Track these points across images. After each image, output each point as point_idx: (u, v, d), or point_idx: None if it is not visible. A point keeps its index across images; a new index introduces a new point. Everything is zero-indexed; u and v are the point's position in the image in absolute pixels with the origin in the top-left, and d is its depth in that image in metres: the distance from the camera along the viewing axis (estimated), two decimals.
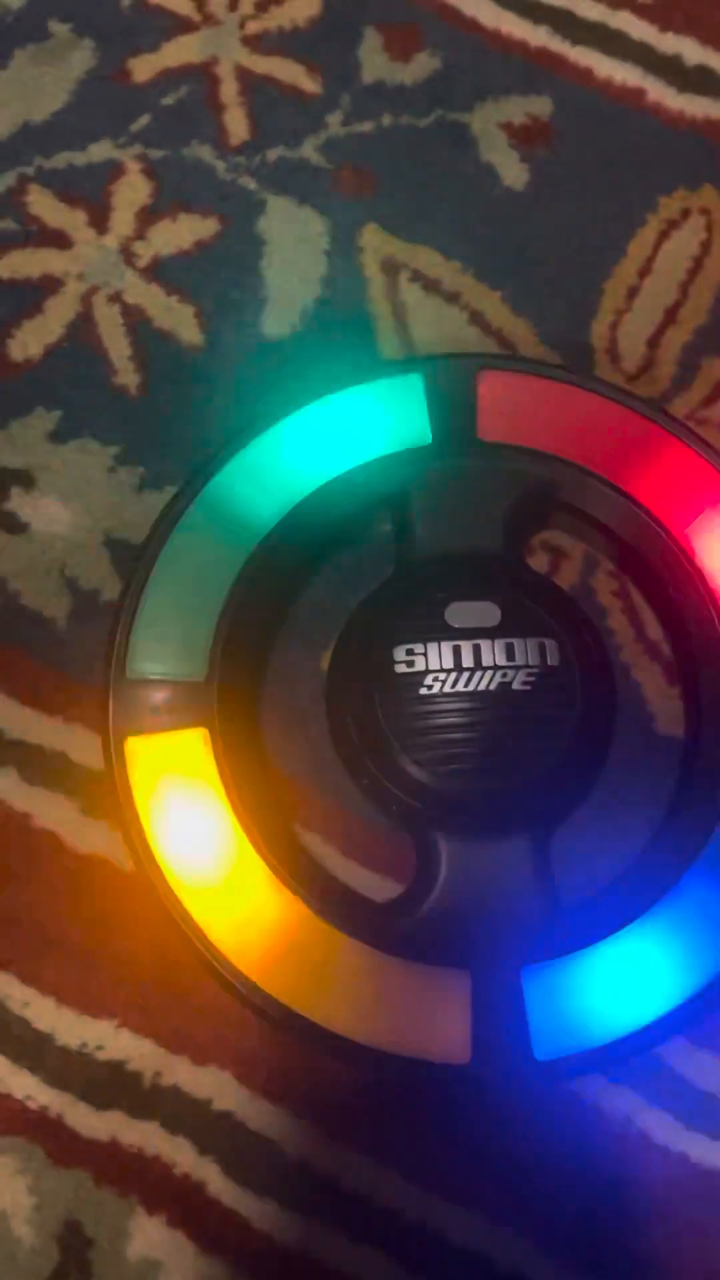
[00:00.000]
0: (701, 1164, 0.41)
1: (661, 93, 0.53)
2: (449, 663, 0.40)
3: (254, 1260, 0.40)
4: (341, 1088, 0.41)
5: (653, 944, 0.39)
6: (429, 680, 0.40)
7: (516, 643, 0.40)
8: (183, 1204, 0.40)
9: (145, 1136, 0.41)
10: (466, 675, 0.40)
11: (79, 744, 0.44)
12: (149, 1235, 0.40)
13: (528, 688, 0.40)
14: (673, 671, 0.46)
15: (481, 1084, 0.39)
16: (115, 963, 0.42)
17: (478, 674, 0.40)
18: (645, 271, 0.50)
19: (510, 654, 0.40)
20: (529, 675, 0.40)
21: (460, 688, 0.40)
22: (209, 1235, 0.40)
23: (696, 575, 0.43)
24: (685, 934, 0.39)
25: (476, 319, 0.49)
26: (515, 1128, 0.41)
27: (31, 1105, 0.41)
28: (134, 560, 0.42)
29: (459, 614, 0.40)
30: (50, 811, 0.44)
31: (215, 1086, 0.41)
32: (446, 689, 0.40)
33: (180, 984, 0.42)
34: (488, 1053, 0.38)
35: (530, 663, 0.40)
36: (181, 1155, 0.41)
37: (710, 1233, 0.40)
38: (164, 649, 0.41)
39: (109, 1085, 0.41)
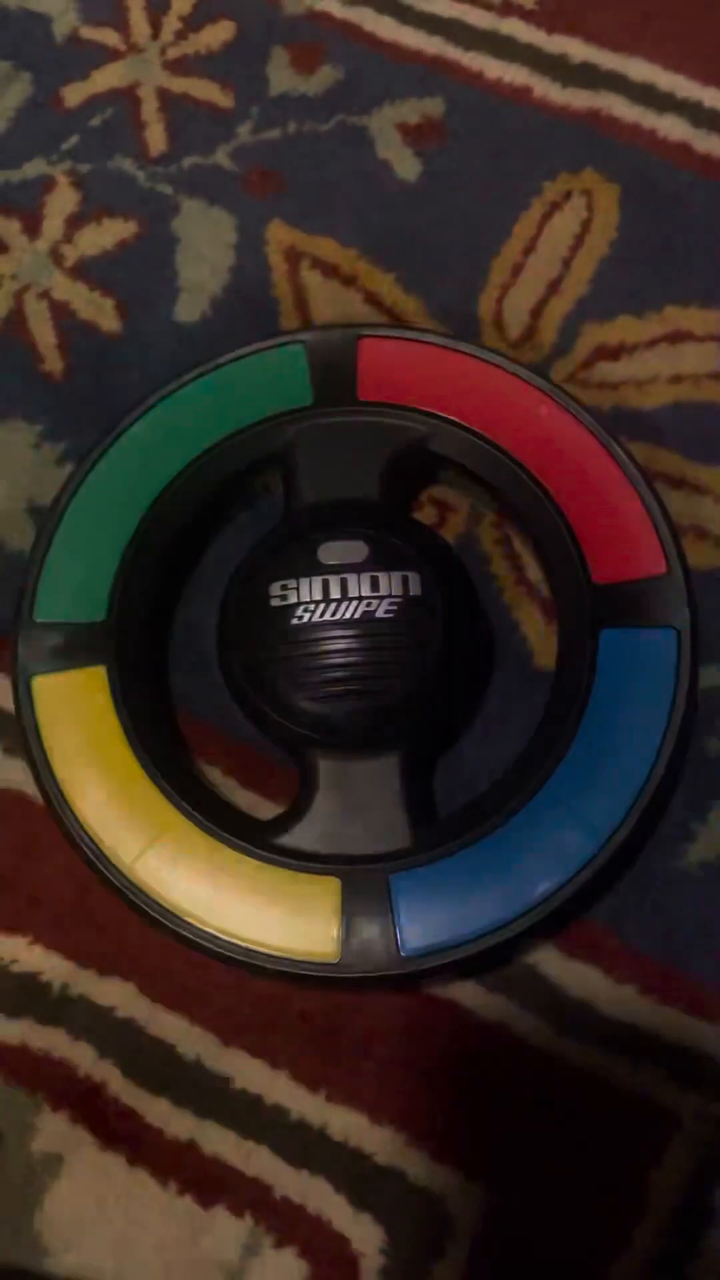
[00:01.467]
0: (575, 1068, 0.44)
1: (547, 88, 0.58)
2: (318, 595, 0.44)
3: (148, 1153, 0.43)
4: (233, 995, 0.45)
5: (509, 852, 0.43)
6: (300, 612, 0.44)
7: (381, 575, 0.44)
8: (84, 1102, 0.44)
9: (52, 1040, 0.45)
10: (334, 605, 0.44)
11: (2, 691, 0.49)
12: (52, 1130, 0.44)
13: (391, 615, 0.44)
14: (550, 611, 0.49)
15: (352, 981, 0.42)
16: (30, 885, 0.47)
17: (345, 604, 0.44)
18: (530, 249, 0.55)
19: (375, 585, 0.44)
20: (392, 604, 0.44)
21: (329, 617, 0.44)
22: (108, 1130, 0.44)
23: (560, 517, 0.46)
24: (538, 844, 0.43)
25: (371, 299, 0.54)
26: (394, 1030, 0.44)
27: None
28: (44, 516, 0.47)
29: (330, 552, 0.45)
30: None
31: (118, 996, 0.45)
32: (316, 618, 0.44)
33: (88, 905, 0.47)
34: (356, 951, 0.42)
35: (393, 593, 0.44)
36: (84, 1058, 0.45)
37: (584, 1132, 0.43)
38: (67, 594, 0.46)
39: (21, 995, 0.46)
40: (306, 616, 0.44)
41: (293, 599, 0.44)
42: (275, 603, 0.44)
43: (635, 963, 0.45)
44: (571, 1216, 0.42)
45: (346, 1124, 0.43)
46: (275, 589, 0.44)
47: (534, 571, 0.50)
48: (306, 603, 0.44)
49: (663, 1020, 0.44)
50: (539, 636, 0.49)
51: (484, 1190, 0.43)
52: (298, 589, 0.44)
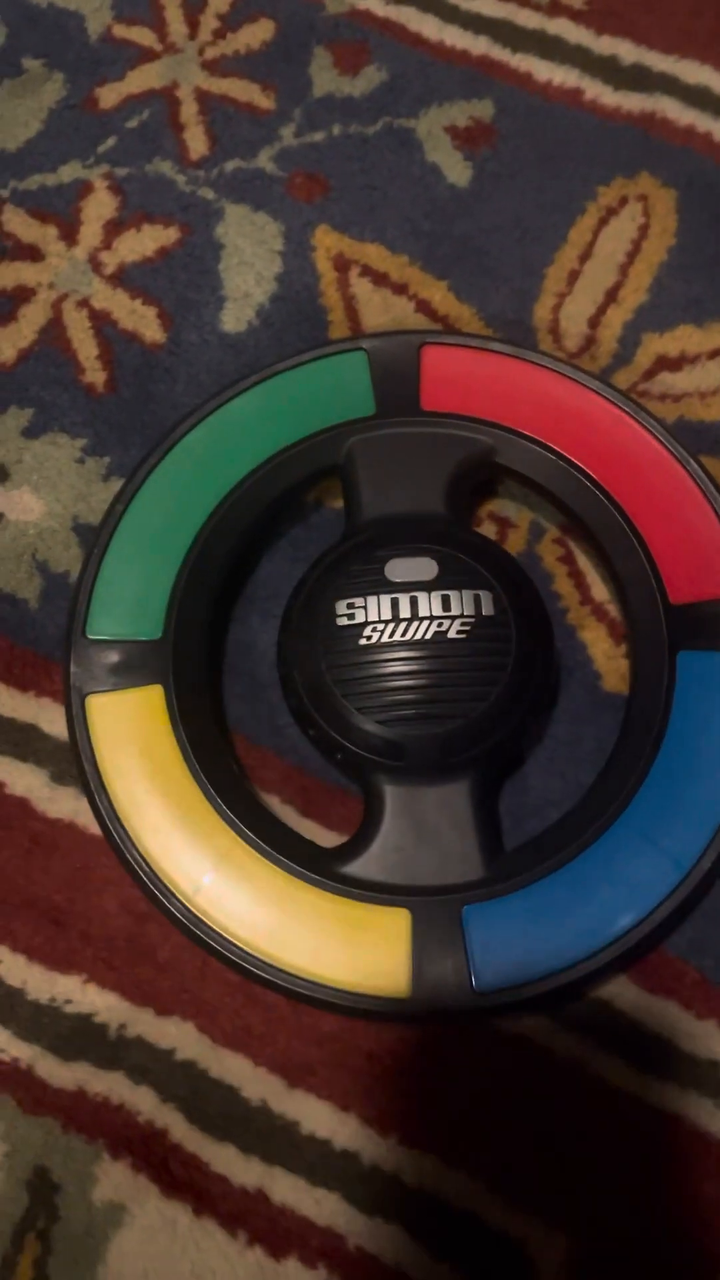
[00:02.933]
0: (653, 1106, 0.42)
1: (598, 90, 0.57)
2: (387, 614, 0.43)
3: (214, 1203, 0.42)
4: (298, 1035, 0.44)
5: (587, 884, 0.42)
6: (368, 631, 0.43)
7: (452, 594, 0.43)
8: (146, 1149, 0.42)
9: (110, 1086, 0.43)
10: (404, 625, 0.43)
11: (49, 716, 0.48)
12: (113, 1179, 0.42)
13: (463, 636, 0.42)
14: (619, 632, 0.48)
15: (422, 1016, 0.41)
16: (83, 921, 0.45)
17: (415, 624, 0.43)
18: (585, 256, 0.54)
19: (446, 605, 0.43)
20: (464, 625, 0.43)
21: (398, 637, 0.42)
22: (171, 1179, 0.42)
23: (633, 534, 0.45)
24: (617, 875, 0.41)
25: (423, 307, 0.53)
26: (465, 1068, 0.43)
27: (3, 1058, 0.44)
28: (96, 530, 0.46)
29: (398, 569, 0.43)
30: (21, 780, 0.47)
31: (177, 1037, 0.44)
32: (385, 639, 0.43)
33: (145, 940, 0.45)
34: (427, 986, 0.41)
35: (465, 613, 0.43)
36: (145, 1103, 0.43)
37: (665, 1173, 0.42)
38: (122, 611, 0.45)
39: (76, 1037, 0.44)
40: (375, 636, 0.43)
41: (360, 618, 0.43)
42: (341, 621, 0.43)
43: (715, 997, 0.44)
44: (656, 1261, 0.41)
45: (421, 1169, 0.42)
46: (341, 607, 0.43)
47: (600, 590, 0.49)
48: (375, 622, 0.43)
49: None
50: (606, 658, 0.48)
51: (565, 1236, 0.41)
52: (365, 607, 0.43)
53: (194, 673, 0.45)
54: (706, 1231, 0.41)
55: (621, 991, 0.44)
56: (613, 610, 0.48)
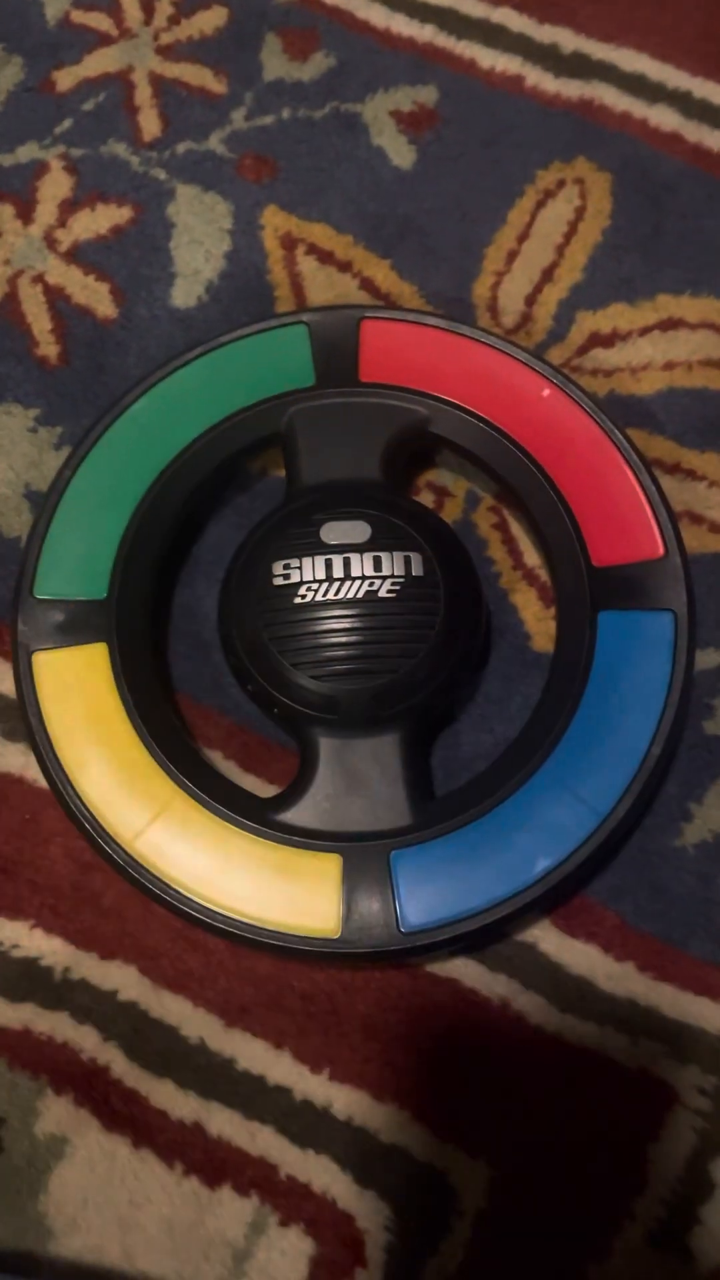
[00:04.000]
0: (574, 1044, 0.45)
1: (540, 77, 0.59)
2: (321, 574, 0.45)
3: (153, 1135, 0.44)
4: (236, 977, 0.46)
5: (509, 830, 0.44)
6: (303, 590, 0.45)
7: (383, 555, 0.45)
8: (88, 1085, 0.45)
9: (55, 1025, 0.45)
10: (337, 585, 0.45)
11: (1, 675, 0.50)
12: (56, 1113, 0.44)
13: (393, 595, 0.45)
14: (548, 595, 0.50)
15: (352, 956, 0.43)
16: (31, 869, 0.47)
17: (348, 584, 0.45)
18: (523, 237, 0.56)
19: (377, 565, 0.45)
20: (394, 584, 0.45)
21: (332, 596, 0.45)
22: (111, 1113, 0.44)
23: (560, 501, 0.47)
24: (537, 822, 0.44)
25: (366, 284, 0.55)
26: (396, 1007, 0.45)
27: None
28: (44, 493, 0.48)
29: (332, 532, 0.45)
30: None
31: (120, 979, 0.46)
32: (319, 597, 0.45)
33: (89, 887, 0.47)
34: (357, 927, 0.43)
35: (395, 573, 0.45)
36: (88, 1041, 0.45)
37: (584, 1107, 0.44)
38: (68, 571, 0.47)
39: (23, 980, 0.46)
40: (309, 595, 0.45)
41: (295, 578, 0.45)
42: (278, 581, 0.45)
43: (634, 940, 0.46)
44: (574, 1190, 0.43)
45: (350, 1103, 0.44)
46: (278, 568, 0.45)
47: (531, 557, 0.51)
48: (309, 582, 0.45)
49: (660, 997, 0.45)
50: (536, 620, 0.50)
51: (487, 1165, 0.43)
52: (300, 568, 0.45)
53: (137, 632, 0.47)
54: (620, 1158, 0.43)
55: (545, 935, 0.46)
56: (543, 575, 0.51)
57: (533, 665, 0.49)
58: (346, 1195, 0.43)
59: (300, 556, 0.45)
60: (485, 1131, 0.44)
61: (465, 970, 0.46)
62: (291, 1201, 0.43)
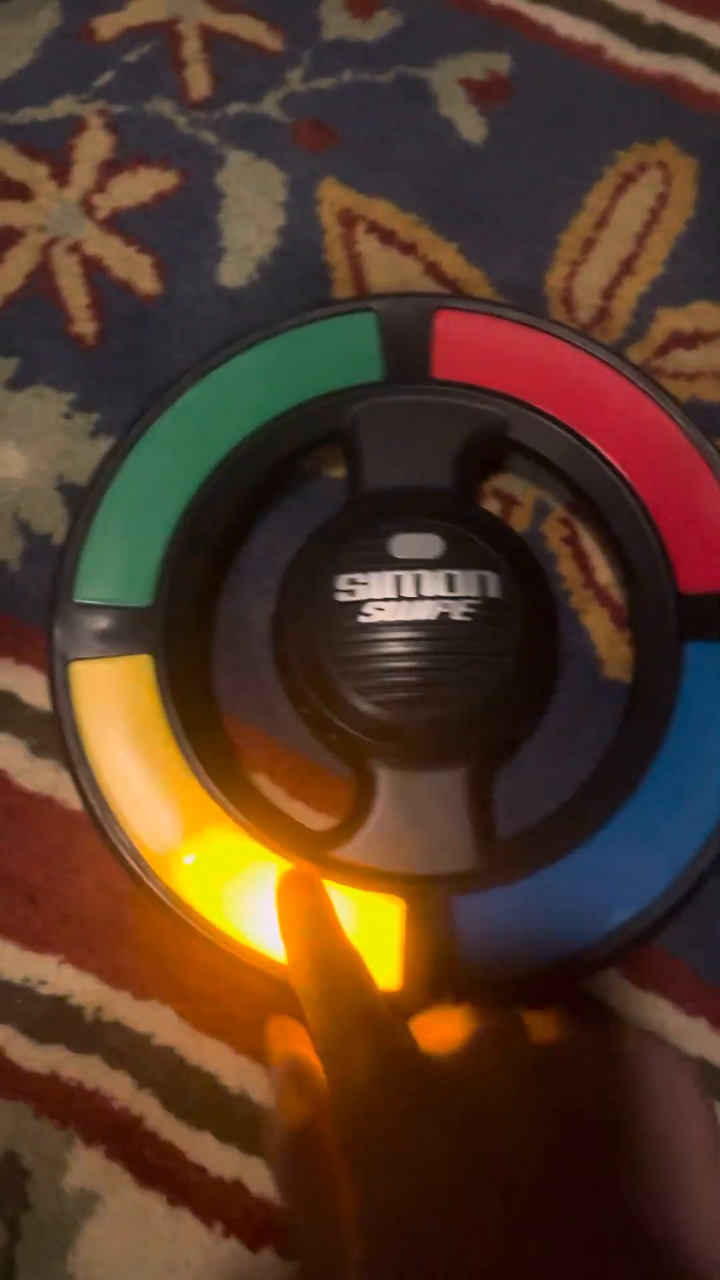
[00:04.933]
0: None
1: (621, 49, 0.55)
2: (390, 592, 0.41)
3: (190, 1193, 0.41)
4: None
5: (584, 878, 0.41)
6: (369, 609, 0.41)
7: (458, 574, 0.42)
8: (121, 1136, 0.41)
9: (85, 1070, 0.42)
10: (407, 605, 0.41)
11: (29, 685, 0.46)
12: (87, 1167, 0.41)
13: (468, 619, 0.41)
14: (622, 617, 0.47)
15: (411, 1008, 0.40)
16: (60, 899, 0.44)
17: (418, 604, 0.41)
18: (601, 224, 0.52)
19: (451, 585, 0.41)
20: (469, 607, 0.41)
21: (400, 617, 0.41)
22: (146, 1167, 0.41)
23: (646, 519, 0.44)
24: (615, 870, 0.41)
25: (432, 269, 0.51)
26: None
27: None
28: (86, 488, 0.44)
29: (402, 545, 0.42)
30: None
31: (156, 1021, 0.43)
32: (386, 618, 0.41)
33: (124, 921, 0.44)
34: (416, 977, 0.40)
35: (470, 594, 0.41)
36: (121, 1089, 0.42)
37: None
38: (110, 574, 0.43)
39: (51, 1020, 0.43)
40: (376, 614, 0.41)
41: (361, 594, 0.42)
42: (341, 597, 0.42)
43: (706, 995, 0.43)
44: None
45: None
46: (341, 582, 0.42)
47: (604, 574, 0.48)
48: (376, 600, 0.41)
49: None
50: (608, 644, 0.47)
51: None
52: (366, 584, 0.42)
53: (185, 643, 0.43)
54: None
55: (611, 986, 0.43)
56: (616, 595, 0.47)
57: (604, 693, 0.46)
58: None
59: (366, 571, 0.42)
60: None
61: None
62: None
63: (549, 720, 0.46)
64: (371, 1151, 0.30)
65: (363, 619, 0.41)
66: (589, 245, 0.52)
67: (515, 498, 0.49)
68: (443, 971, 0.40)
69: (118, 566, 0.43)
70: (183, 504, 0.44)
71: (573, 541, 0.48)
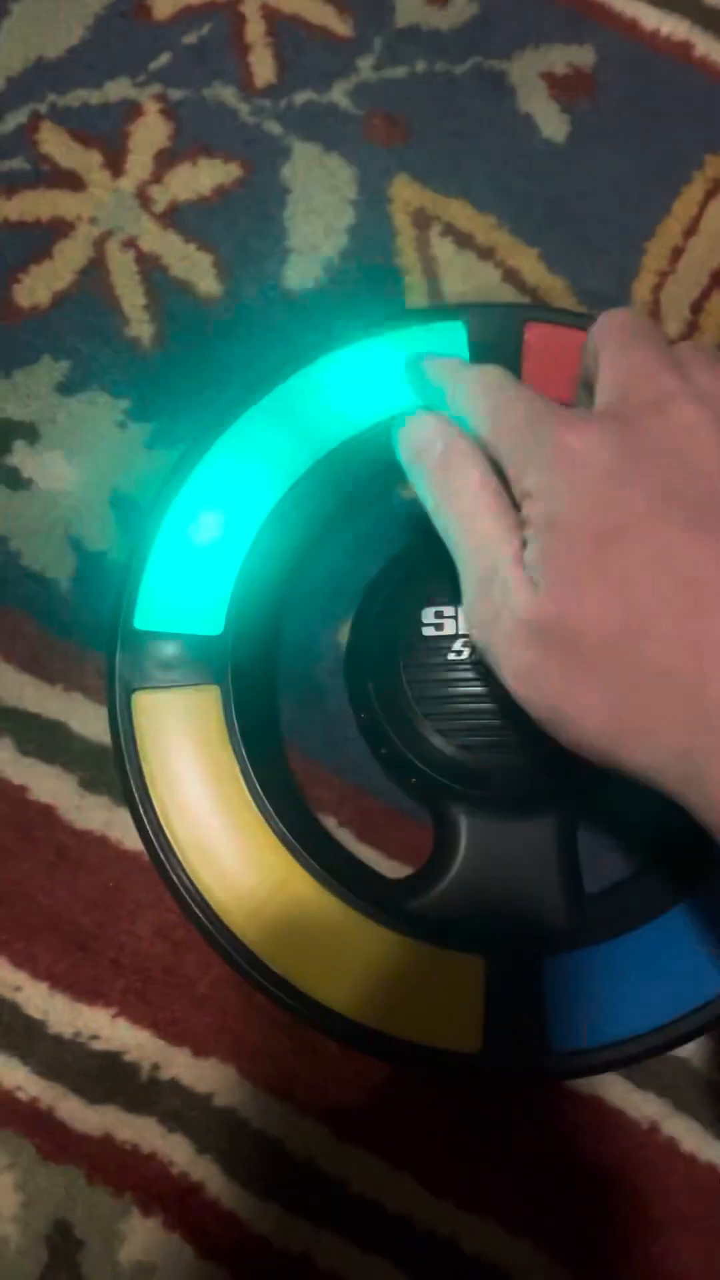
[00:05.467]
0: None
1: (710, 47, 0.52)
2: None
3: (255, 1266, 0.39)
4: (350, 1084, 0.40)
5: (679, 941, 0.38)
6: (458, 645, 0.39)
7: None
8: (180, 1205, 0.39)
9: (141, 1132, 0.40)
10: None
11: (80, 714, 0.43)
12: (143, 1237, 0.39)
13: None
14: None
15: (494, 1074, 0.37)
16: (113, 947, 0.41)
17: None
18: (691, 231, 0.49)
19: None
20: None
21: None
22: (207, 1239, 0.39)
23: None
24: (714, 931, 0.38)
25: (511, 276, 0.49)
26: (534, 1128, 0.40)
27: (21, 1097, 0.40)
28: (148, 504, 0.41)
29: None
30: (47, 785, 0.43)
31: (217, 1081, 0.40)
32: (476, 656, 0.39)
33: (182, 971, 0.41)
34: (501, 1042, 0.37)
35: None
36: (179, 1153, 0.40)
37: None
38: (176, 600, 0.40)
39: (104, 1077, 0.40)
40: (465, 652, 0.39)
41: (450, 629, 0.39)
42: (428, 632, 0.39)
43: None
44: None
45: (480, 1235, 0.39)
46: (428, 615, 0.39)
47: None
48: (466, 635, 0.39)
49: None
50: None
51: None
52: (456, 618, 0.39)
53: (254, 674, 0.41)
54: None
55: (699, 1050, 0.41)
56: None
57: None
58: None
59: (455, 604, 0.39)
60: (633, 1273, 0.39)
61: (610, 1088, 0.41)
62: None
63: None
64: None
65: (451, 656, 0.39)
66: (677, 254, 0.49)
67: None
68: (528, 1036, 0.38)
69: (184, 591, 0.40)
70: (255, 526, 0.41)
71: None
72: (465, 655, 0.39)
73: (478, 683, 0.39)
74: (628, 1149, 0.40)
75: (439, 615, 0.39)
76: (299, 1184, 0.39)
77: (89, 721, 0.43)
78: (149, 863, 0.39)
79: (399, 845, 0.43)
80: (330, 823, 0.43)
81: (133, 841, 0.42)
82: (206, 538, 0.41)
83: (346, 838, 0.43)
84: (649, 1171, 0.40)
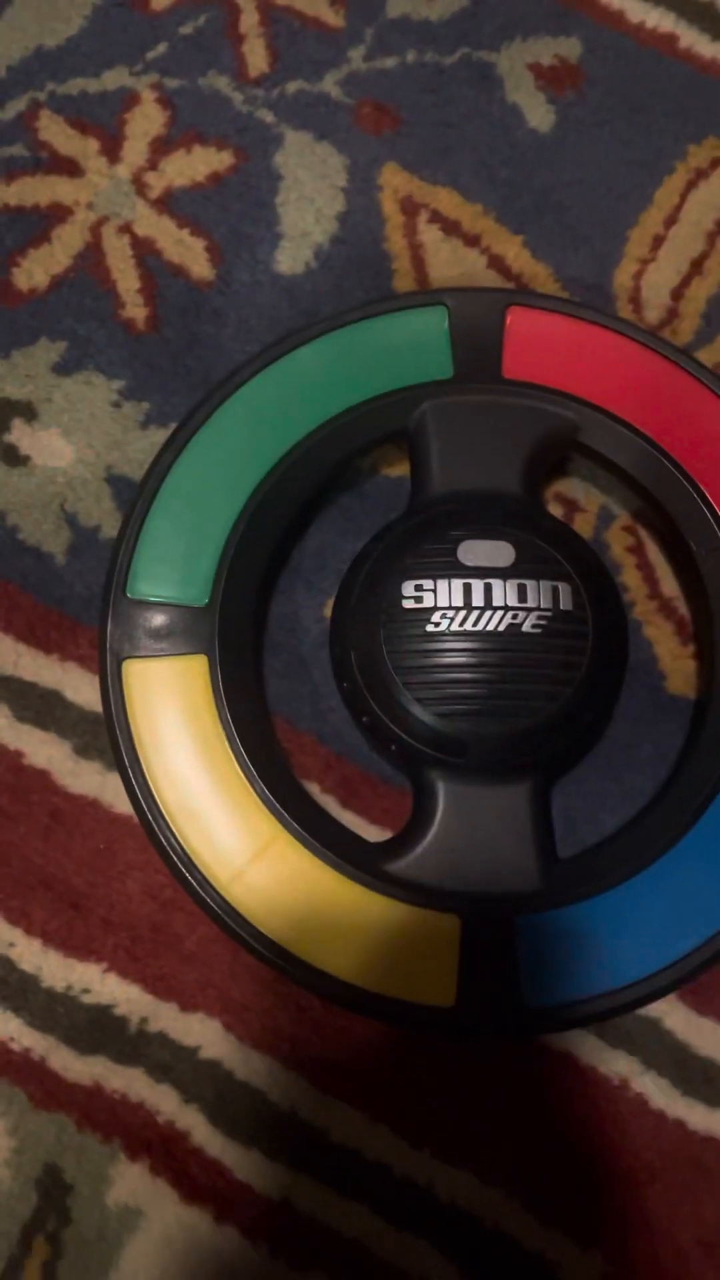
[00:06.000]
0: (698, 1130, 0.42)
1: (694, 39, 0.53)
2: (458, 600, 0.40)
3: (236, 1211, 0.40)
4: (332, 1039, 0.42)
5: (648, 903, 0.40)
6: (436, 617, 0.40)
7: (529, 584, 0.41)
8: (165, 1152, 0.41)
9: (129, 1082, 0.41)
10: (476, 614, 0.40)
11: (74, 683, 0.45)
12: (130, 1182, 0.41)
13: (538, 630, 0.40)
14: (687, 631, 0.46)
15: (467, 1028, 0.39)
16: (104, 905, 0.43)
17: (487, 613, 0.40)
18: (672, 220, 0.51)
19: (522, 595, 0.40)
20: (540, 618, 0.40)
21: (469, 627, 0.40)
22: (191, 1184, 0.41)
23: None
24: (681, 894, 0.40)
25: (496, 263, 0.50)
26: (504, 1082, 0.42)
27: (14, 1047, 0.42)
28: (142, 479, 0.43)
29: (472, 552, 0.41)
30: (42, 750, 0.45)
31: (203, 1034, 0.42)
32: (454, 627, 0.40)
33: (170, 928, 0.43)
34: (474, 997, 0.39)
35: (542, 605, 0.40)
36: (166, 1102, 0.41)
37: (703, 1199, 0.41)
38: (167, 571, 0.42)
39: (94, 1029, 0.42)
40: (443, 623, 0.40)
41: (429, 602, 0.41)
42: (408, 604, 0.41)
43: None
44: None
45: (454, 1184, 0.41)
46: (408, 588, 0.41)
47: (670, 585, 0.47)
48: (444, 608, 0.40)
49: None
50: (672, 658, 0.46)
51: (601, 1260, 0.40)
52: (434, 591, 0.41)
53: (241, 645, 0.42)
54: None
55: (671, 1010, 0.43)
56: (682, 608, 0.46)
57: (667, 709, 0.45)
58: None
59: (435, 578, 0.41)
60: (600, 1222, 0.41)
61: (581, 1044, 0.42)
62: None
63: (609, 734, 0.45)
64: None
65: (430, 628, 0.40)
66: (659, 243, 0.51)
67: (579, 503, 0.48)
68: (500, 993, 0.39)
69: (174, 563, 0.42)
70: (242, 501, 0.43)
71: (638, 551, 0.47)
72: (444, 627, 0.40)
73: (456, 654, 0.40)
74: (598, 1104, 0.42)
75: (419, 588, 0.41)
76: (281, 1133, 0.41)
77: (83, 690, 0.45)
78: (139, 826, 0.41)
79: (380, 811, 0.44)
80: (314, 789, 0.45)
81: (124, 805, 0.43)
82: (197, 512, 0.43)
83: (330, 804, 0.45)
84: (618, 1126, 0.42)
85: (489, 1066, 0.42)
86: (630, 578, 0.47)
